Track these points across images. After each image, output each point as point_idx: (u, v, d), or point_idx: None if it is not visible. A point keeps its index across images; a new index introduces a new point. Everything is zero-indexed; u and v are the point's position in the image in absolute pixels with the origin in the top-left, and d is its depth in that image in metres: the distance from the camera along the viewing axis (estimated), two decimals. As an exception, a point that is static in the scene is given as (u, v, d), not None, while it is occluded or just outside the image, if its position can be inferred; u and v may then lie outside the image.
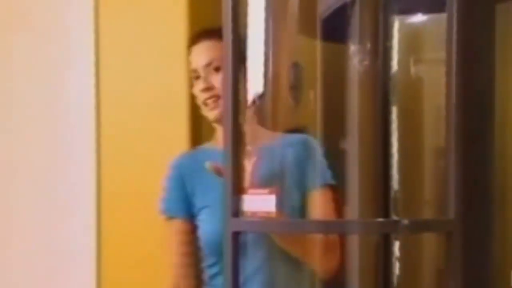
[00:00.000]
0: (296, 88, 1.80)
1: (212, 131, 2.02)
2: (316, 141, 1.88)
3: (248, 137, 1.88)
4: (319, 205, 1.85)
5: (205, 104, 1.90)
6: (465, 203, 1.38)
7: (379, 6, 1.62)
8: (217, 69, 1.91)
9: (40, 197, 2.99)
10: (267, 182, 1.42)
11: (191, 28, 2.31)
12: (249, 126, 1.82)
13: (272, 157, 1.76)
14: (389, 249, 1.64)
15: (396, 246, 1.71)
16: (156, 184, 2.07)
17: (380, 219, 1.67)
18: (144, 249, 2.41)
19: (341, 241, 1.83)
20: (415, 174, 1.70)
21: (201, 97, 1.91)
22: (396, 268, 1.70)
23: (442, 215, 1.40)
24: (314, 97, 1.65)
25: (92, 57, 2.67)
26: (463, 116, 1.39)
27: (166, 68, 2.36)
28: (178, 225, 1.94)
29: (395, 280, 1.68)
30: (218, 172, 1.62)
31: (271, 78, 1.70)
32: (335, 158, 1.67)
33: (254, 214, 1.32)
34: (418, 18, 1.66)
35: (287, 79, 1.77)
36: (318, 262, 1.83)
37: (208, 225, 1.87)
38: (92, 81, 2.68)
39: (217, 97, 1.89)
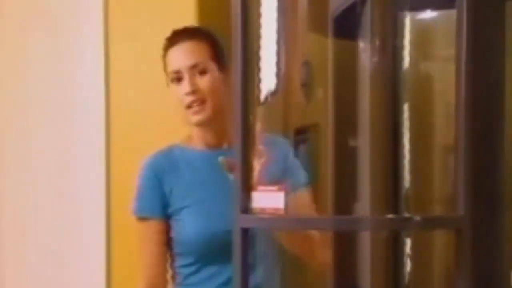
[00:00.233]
0: (307, 86, 1.81)
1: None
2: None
3: (225, 137, 1.91)
4: (307, 204, 1.83)
5: (189, 107, 1.83)
6: (475, 200, 1.39)
7: (389, 3, 1.63)
8: (202, 72, 1.84)
9: (52, 192, 3.05)
10: (276, 180, 1.43)
11: (200, 23, 2.31)
12: (229, 128, 1.87)
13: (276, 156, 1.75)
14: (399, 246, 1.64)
15: (408, 243, 1.73)
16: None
17: (392, 216, 1.68)
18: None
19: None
20: (426, 171, 1.70)
21: (184, 100, 1.83)
22: (407, 265, 1.71)
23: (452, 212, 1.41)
24: (325, 95, 1.66)
25: (102, 55, 2.72)
26: (473, 113, 1.40)
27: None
28: (153, 226, 1.90)
29: (406, 276, 1.70)
30: (230, 168, 1.62)
31: (283, 76, 1.72)
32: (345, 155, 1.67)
33: (263, 210, 1.34)
34: (428, 14, 1.66)
35: (299, 77, 1.78)
36: (317, 257, 1.84)
37: (189, 225, 1.84)
38: (102, 78, 2.72)
39: (202, 101, 1.82)
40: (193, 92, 1.80)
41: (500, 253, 1.41)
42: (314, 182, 1.80)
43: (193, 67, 1.83)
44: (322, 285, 1.82)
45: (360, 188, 1.62)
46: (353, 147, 1.61)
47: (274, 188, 1.34)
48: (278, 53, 1.73)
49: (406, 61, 1.61)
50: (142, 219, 1.92)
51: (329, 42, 1.69)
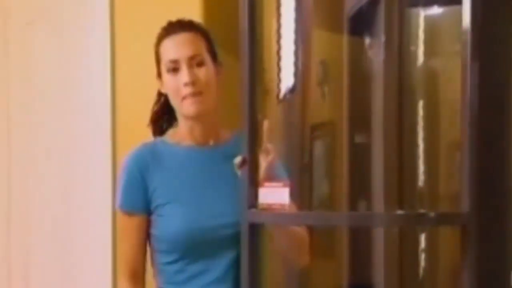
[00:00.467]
0: (323, 84, 1.83)
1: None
2: None
3: (212, 134, 1.94)
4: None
5: (185, 98, 1.80)
6: (481, 197, 1.40)
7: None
8: (199, 64, 1.81)
9: (58, 188, 3.05)
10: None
11: (206, 21, 2.29)
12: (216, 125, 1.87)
13: None
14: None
15: (422, 238, 1.74)
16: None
17: (407, 212, 1.69)
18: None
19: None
20: (439, 169, 1.71)
21: (182, 91, 1.80)
22: (422, 259, 1.73)
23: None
24: (340, 92, 1.69)
25: (108, 53, 2.72)
26: (479, 110, 1.41)
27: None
28: (134, 221, 1.88)
29: (420, 271, 1.71)
30: (239, 165, 1.62)
31: (301, 74, 1.75)
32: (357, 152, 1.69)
33: (269, 206, 1.37)
34: (439, 10, 1.67)
35: (316, 75, 1.81)
36: (304, 256, 1.85)
37: (172, 221, 1.83)
38: (108, 76, 2.73)
39: (199, 93, 1.79)
40: (192, 83, 1.78)
41: (505, 250, 1.41)
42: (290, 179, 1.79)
43: (192, 58, 1.80)
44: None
45: (372, 184, 1.64)
46: (364, 144, 1.63)
47: (280, 184, 1.38)
48: (296, 53, 1.76)
49: (419, 58, 1.63)
50: (124, 212, 1.91)
51: (344, 40, 1.72)
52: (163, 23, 1.84)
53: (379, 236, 1.68)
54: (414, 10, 1.62)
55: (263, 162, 1.53)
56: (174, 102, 1.83)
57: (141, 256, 1.89)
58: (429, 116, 1.63)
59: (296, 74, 1.76)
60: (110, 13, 2.70)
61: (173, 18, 1.86)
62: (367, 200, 1.67)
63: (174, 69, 1.80)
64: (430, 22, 1.66)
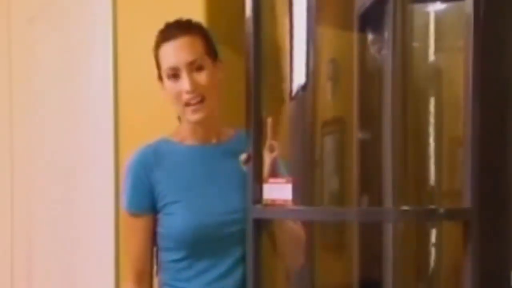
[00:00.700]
0: (333, 81, 1.85)
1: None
2: None
3: (214, 132, 1.91)
4: None
5: (187, 105, 1.80)
6: (484, 193, 1.41)
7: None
8: (198, 68, 1.81)
9: (61, 188, 3.05)
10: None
11: (208, 17, 2.27)
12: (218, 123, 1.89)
13: None
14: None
15: (434, 233, 1.76)
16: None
17: (416, 207, 1.71)
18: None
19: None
20: (446, 164, 1.72)
21: (183, 97, 1.80)
22: (433, 254, 1.74)
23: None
24: (350, 89, 1.71)
25: (110, 48, 2.70)
26: (481, 106, 1.42)
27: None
28: (141, 221, 1.89)
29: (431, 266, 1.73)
30: (245, 161, 1.65)
31: (312, 73, 1.77)
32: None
33: (273, 202, 1.41)
34: (439, 6, 1.67)
35: (326, 73, 1.83)
36: (301, 257, 1.87)
37: (180, 220, 1.83)
38: (111, 72, 2.71)
39: (201, 99, 1.80)
40: (193, 90, 1.78)
41: (508, 245, 1.42)
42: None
43: (191, 63, 1.80)
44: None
45: (382, 179, 1.65)
46: (374, 140, 1.65)
47: (283, 180, 1.41)
48: (308, 51, 1.79)
49: (424, 54, 1.64)
50: (131, 214, 1.92)
51: (354, 38, 1.74)
52: (167, 18, 1.83)
53: (386, 232, 1.70)
54: (417, 6, 1.64)
55: (268, 159, 1.56)
56: (176, 106, 1.85)
57: (148, 256, 1.91)
58: (435, 112, 1.64)
59: (307, 73, 1.79)
60: (113, 9, 2.69)
61: (176, 14, 1.84)
62: (376, 195, 1.69)
63: (174, 75, 1.81)
64: (434, 18, 1.67)
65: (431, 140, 1.69)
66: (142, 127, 2.04)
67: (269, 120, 1.59)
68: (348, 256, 1.80)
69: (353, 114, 1.74)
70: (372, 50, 1.66)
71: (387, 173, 1.71)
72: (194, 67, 1.80)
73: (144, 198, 1.87)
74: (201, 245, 1.82)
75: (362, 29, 1.75)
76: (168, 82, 1.82)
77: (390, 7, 1.75)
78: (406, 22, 1.65)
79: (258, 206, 1.44)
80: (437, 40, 1.65)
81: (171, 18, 1.84)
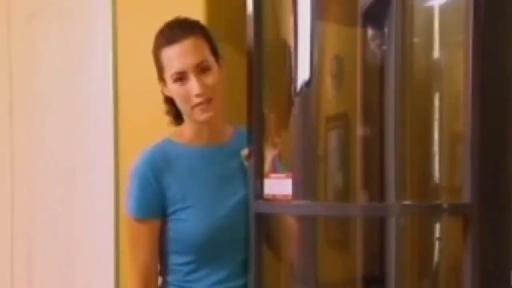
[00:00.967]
0: (337, 78, 1.86)
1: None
2: None
3: (217, 131, 1.90)
4: None
5: (195, 106, 1.79)
6: (484, 188, 1.42)
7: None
8: (205, 69, 1.80)
9: (61, 187, 3.06)
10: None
11: (208, 17, 2.27)
12: (221, 121, 1.89)
13: None
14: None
15: (436, 228, 1.76)
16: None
17: (419, 203, 1.72)
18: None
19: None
20: (447, 160, 1.73)
21: (192, 100, 1.79)
22: (436, 249, 1.74)
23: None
24: (353, 86, 1.72)
25: (110, 43, 2.73)
26: (482, 102, 1.43)
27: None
28: (150, 226, 1.85)
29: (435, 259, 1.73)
30: (247, 157, 1.66)
31: (316, 69, 1.78)
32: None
33: (274, 197, 1.42)
34: (438, 1, 1.68)
35: (330, 70, 1.84)
36: (294, 250, 1.88)
37: (193, 225, 1.81)
38: (110, 68, 2.73)
39: (209, 99, 1.79)
40: (203, 93, 1.77)
41: (508, 240, 1.43)
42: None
43: (198, 66, 1.78)
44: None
45: (385, 175, 1.66)
46: (377, 136, 1.66)
47: (283, 175, 1.43)
48: (312, 47, 1.80)
49: (426, 50, 1.65)
50: (138, 220, 1.87)
51: (358, 34, 1.74)
52: (167, 16, 1.82)
53: (389, 227, 1.71)
54: (417, 1, 1.64)
55: (270, 155, 1.57)
56: (183, 108, 1.84)
57: (155, 262, 1.89)
58: (436, 108, 1.65)
59: (311, 69, 1.80)
60: (112, 7, 2.71)
61: (176, 10, 1.83)
62: (379, 191, 1.70)
63: (181, 78, 1.79)
64: (433, 13, 1.68)
65: (433, 136, 1.69)
66: (142, 127, 2.03)
67: (272, 117, 1.60)
68: (351, 251, 1.81)
69: (356, 110, 1.75)
70: (372, 45, 1.66)
71: (390, 169, 1.73)
72: (201, 69, 1.79)
73: (153, 203, 1.84)
74: (212, 249, 1.81)
75: (366, 25, 1.76)
76: (174, 85, 1.81)
77: (393, 2, 1.78)
78: (408, 18, 1.65)
79: (261, 200, 1.46)
80: (438, 35, 1.65)
81: (172, 16, 1.82)
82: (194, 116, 1.82)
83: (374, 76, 1.75)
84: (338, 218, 1.83)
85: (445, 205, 1.62)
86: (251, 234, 1.46)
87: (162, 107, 1.92)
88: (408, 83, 1.68)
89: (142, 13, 2.60)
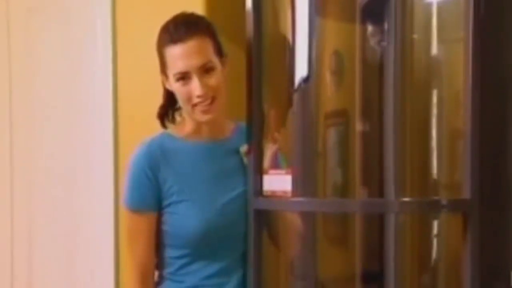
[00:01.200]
0: (337, 74, 1.86)
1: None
2: None
3: (218, 128, 1.87)
4: None
5: (198, 106, 1.78)
6: (483, 185, 1.42)
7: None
8: (209, 70, 1.77)
9: (61, 180, 3.03)
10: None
11: (208, 11, 2.25)
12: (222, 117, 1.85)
13: None
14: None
15: (435, 225, 1.77)
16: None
17: (418, 199, 1.72)
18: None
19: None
20: (447, 156, 1.73)
21: (193, 100, 1.77)
22: (434, 245, 1.75)
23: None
24: (353, 82, 1.72)
25: (110, 37, 2.71)
26: (481, 99, 1.42)
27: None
28: (146, 219, 1.84)
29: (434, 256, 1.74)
30: (246, 153, 1.66)
31: (315, 65, 1.78)
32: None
33: (273, 193, 1.42)
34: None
35: (329, 65, 1.84)
36: (297, 246, 1.88)
37: (188, 219, 1.80)
38: (110, 63, 2.71)
39: (211, 100, 1.77)
40: (205, 94, 1.75)
41: (507, 236, 1.43)
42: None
43: (201, 67, 1.75)
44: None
45: (383, 171, 1.66)
46: (376, 132, 1.66)
47: (283, 171, 1.42)
48: (310, 43, 1.80)
49: (425, 46, 1.64)
50: (135, 212, 1.86)
51: (357, 29, 1.74)
52: (167, 11, 1.79)
53: (388, 223, 1.71)
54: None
55: (269, 151, 1.57)
56: (185, 107, 1.82)
57: (153, 255, 1.87)
58: (435, 104, 1.65)
59: (310, 64, 1.80)
60: (112, 2, 2.69)
61: (176, 6, 1.81)
62: (378, 187, 1.70)
63: (184, 78, 1.77)
64: (433, 9, 1.68)
65: (432, 132, 1.69)
66: (141, 126, 2.01)
67: (272, 112, 1.60)
68: (350, 248, 1.81)
69: (355, 106, 1.75)
70: (372, 41, 1.66)
71: (389, 165, 1.73)
72: (204, 69, 1.76)
73: (149, 194, 1.82)
74: (206, 244, 1.80)
75: (365, 21, 1.76)
76: (176, 84, 1.79)
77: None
78: (408, 14, 1.65)
79: (260, 197, 1.45)
80: (437, 32, 1.65)
81: (172, 11, 1.81)
82: (195, 116, 1.81)
83: (374, 72, 1.76)
84: (337, 214, 1.83)
85: (444, 201, 1.62)
86: (250, 230, 1.45)
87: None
88: (408, 79, 1.69)
89: (142, 7, 2.58)
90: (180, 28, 1.78)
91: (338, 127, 1.86)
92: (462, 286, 1.47)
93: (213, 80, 1.76)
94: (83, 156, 2.95)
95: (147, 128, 1.90)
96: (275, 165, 1.54)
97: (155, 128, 1.91)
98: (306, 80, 1.85)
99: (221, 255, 1.80)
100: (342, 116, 1.88)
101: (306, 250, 1.80)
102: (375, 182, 1.70)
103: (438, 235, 1.74)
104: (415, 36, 1.68)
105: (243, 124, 1.77)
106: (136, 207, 1.84)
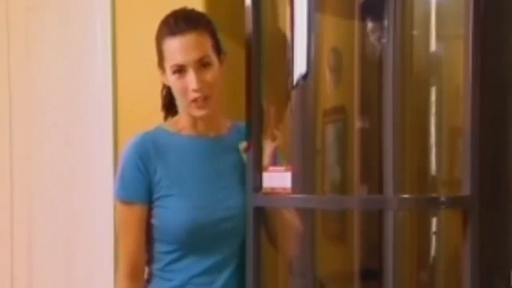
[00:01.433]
0: (336, 71, 1.85)
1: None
2: None
3: (214, 124, 1.88)
4: None
5: (194, 101, 1.78)
6: (483, 182, 1.41)
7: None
8: (206, 65, 1.78)
9: (60, 178, 3.04)
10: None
11: (207, 8, 2.26)
12: (218, 114, 1.87)
13: None
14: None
15: (434, 222, 1.76)
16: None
17: (417, 196, 1.71)
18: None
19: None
20: (447, 153, 1.72)
21: (189, 94, 1.77)
22: (433, 242, 1.74)
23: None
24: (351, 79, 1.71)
25: (109, 36, 2.72)
26: (481, 96, 1.42)
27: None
28: (136, 211, 1.83)
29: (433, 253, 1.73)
30: (245, 149, 1.65)
31: (313, 62, 1.78)
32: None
33: (272, 190, 1.41)
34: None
35: (328, 63, 1.83)
36: (296, 245, 1.88)
37: (177, 214, 1.79)
38: (109, 60, 2.72)
39: (207, 96, 1.77)
40: (200, 89, 1.76)
41: (507, 233, 1.42)
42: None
43: (198, 61, 1.76)
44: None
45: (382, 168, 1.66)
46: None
47: (282, 168, 1.42)
48: (309, 40, 1.79)
49: (425, 43, 1.64)
50: (125, 203, 1.86)
51: (356, 26, 1.74)
52: (166, 10, 1.80)
53: (387, 220, 1.70)
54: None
55: (268, 148, 1.56)
56: (180, 100, 1.83)
57: (143, 249, 1.86)
58: (435, 101, 1.65)
59: (309, 61, 1.79)
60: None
61: (176, 6, 1.82)
62: (377, 184, 1.70)
63: (180, 71, 1.77)
64: (432, 5, 1.67)
65: (432, 129, 1.69)
66: (141, 124, 2.02)
67: (271, 109, 1.60)
68: (349, 245, 1.81)
69: (354, 103, 1.75)
70: (372, 38, 1.66)
71: (388, 162, 1.73)
72: (201, 64, 1.77)
73: (140, 186, 1.82)
74: (195, 240, 1.80)
75: (364, 18, 1.75)
76: (173, 77, 1.79)
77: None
78: (407, 10, 1.65)
79: (259, 194, 1.45)
80: (437, 29, 1.65)
81: (171, 7, 1.81)
82: (190, 111, 1.81)
83: (373, 69, 1.75)
84: (336, 211, 1.83)
85: (443, 198, 1.61)
86: (248, 228, 1.45)
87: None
88: (407, 76, 1.68)
89: (142, 6, 2.59)
90: (180, 22, 1.79)
91: (337, 124, 1.86)
92: (461, 283, 1.47)
93: (209, 75, 1.77)
94: (83, 156, 2.95)
95: (147, 128, 1.91)
96: (274, 162, 1.54)
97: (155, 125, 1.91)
98: (305, 77, 1.85)
99: (212, 252, 1.80)
100: (341, 113, 1.87)
101: (304, 248, 1.80)
102: (374, 179, 1.69)
103: (437, 233, 1.73)
104: (415, 32, 1.67)
105: (240, 123, 1.76)
106: (127, 198, 1.84)
